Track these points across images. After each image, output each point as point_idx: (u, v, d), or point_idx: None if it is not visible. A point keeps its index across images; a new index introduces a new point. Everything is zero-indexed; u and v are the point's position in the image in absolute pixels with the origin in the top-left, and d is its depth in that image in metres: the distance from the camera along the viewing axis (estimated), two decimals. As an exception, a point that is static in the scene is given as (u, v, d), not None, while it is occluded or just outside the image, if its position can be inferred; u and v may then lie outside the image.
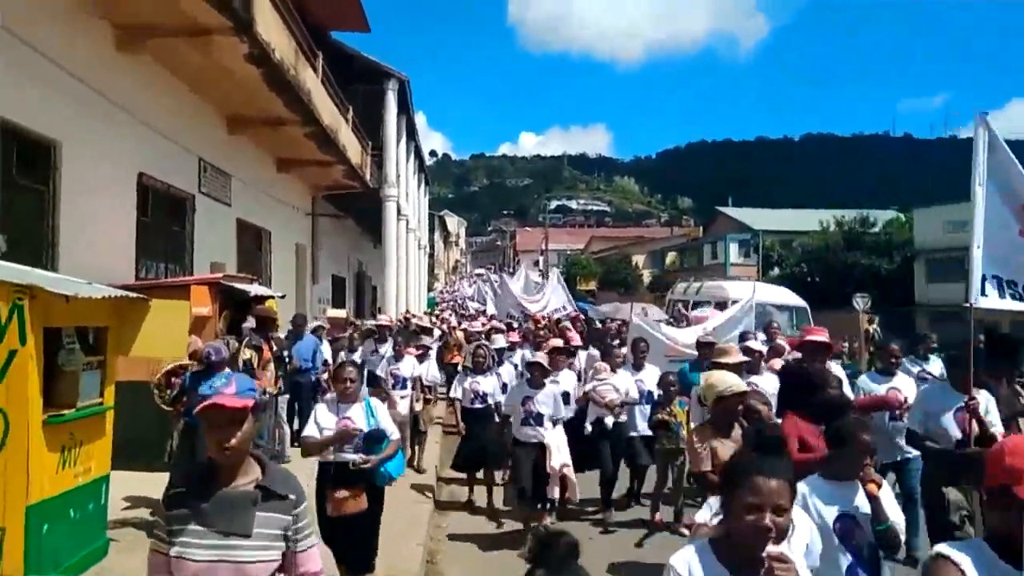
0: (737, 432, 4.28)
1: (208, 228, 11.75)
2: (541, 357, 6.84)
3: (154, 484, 6.41)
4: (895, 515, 3.07)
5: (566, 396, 7.16)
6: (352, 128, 17.10)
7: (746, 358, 6.46)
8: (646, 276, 54.26)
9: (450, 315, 23.45)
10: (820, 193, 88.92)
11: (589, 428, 7.20)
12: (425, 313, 23.88)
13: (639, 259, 57.01)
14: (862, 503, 3.06)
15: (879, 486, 3.08)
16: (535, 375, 6.56)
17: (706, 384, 4.48)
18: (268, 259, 15.51)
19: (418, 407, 8.68)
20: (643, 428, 7.26)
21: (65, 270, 7.05)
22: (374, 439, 4.69)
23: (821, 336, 6.07)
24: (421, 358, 9.15)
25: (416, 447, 8.82)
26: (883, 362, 6.52)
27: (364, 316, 21.82)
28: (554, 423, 6.50)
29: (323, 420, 4.73)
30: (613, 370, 7.41)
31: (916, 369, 7.05)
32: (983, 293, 4.64)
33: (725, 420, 4.31)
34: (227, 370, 6.16)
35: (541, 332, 11.38)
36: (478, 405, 7.60)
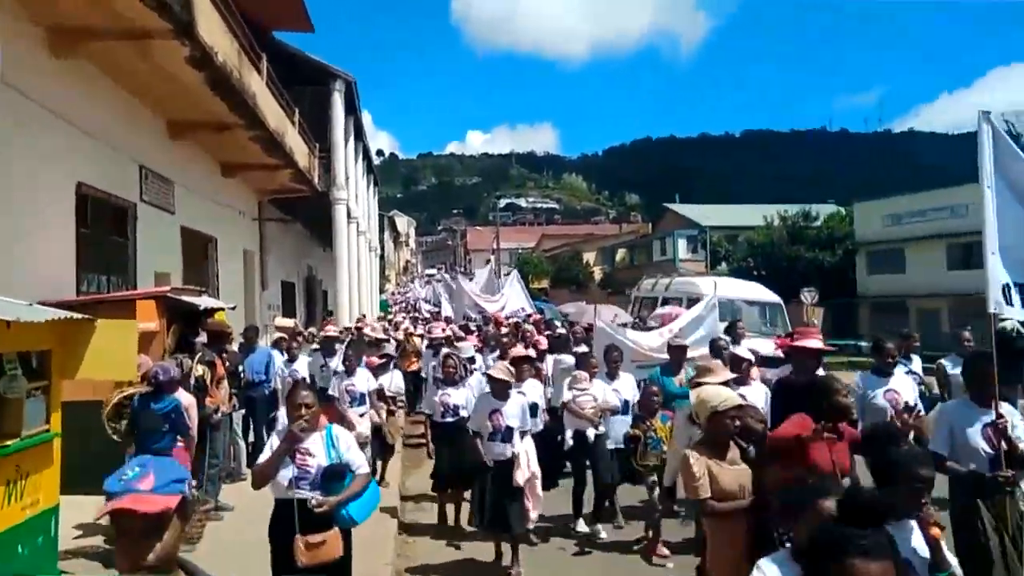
0: (735, 452, 3.94)
1: (151, 237, 11.34)
2: (500, 370, 6.20)
3: (105, 510, 6.16)
4: (951, 559, 2.71)
5: (534, 408, 6.74)
6: (299, 131, 16.76)
7: (733, 375, 5.83)
8: (597, 273, 54.70)
9: (404, 319, 23.16)
10: (762, 188, 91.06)
11: (571, 442, 6.87)
12: (379, 318, 23.56)
13: (590, 256, 57.45)
14: (919, 544, 2.69)
15: (942, 528, 2.74)
16: (496, 387, 6.11)
17: (697, 400, 4.06)
18: (215, 267, 15.07)
19: (381, 419, 8.21)
20: (621, 441, 6.84)
21: (2, 288, 6.68)
22: (334, 475, 3.99)
23: (815, 342, 5.42)
24: (383, 368, 8.71)
25: (381, 461, 8.49)
26: (879, 361, 6.18)
27: (316, 322, 21.43)
28: (522, 436, 6.10)
29: None
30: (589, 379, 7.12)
31: (903, 370, 6.78)
32: (1009, 302, 4.27)
33: (721, 439, 3.91)
34: (179, 392, 5.94)
35: (505, 339, 10.98)
36: (449, 419, 7.10)
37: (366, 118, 31.90)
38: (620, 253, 55.05)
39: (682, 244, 45.07)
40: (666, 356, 7.76)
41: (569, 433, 6.90)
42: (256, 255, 18.64)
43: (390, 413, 8.49)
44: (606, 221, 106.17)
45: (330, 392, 7.76)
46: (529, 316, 15.63)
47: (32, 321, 4.41)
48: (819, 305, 26.02)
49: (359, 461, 4.21)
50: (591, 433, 6.80)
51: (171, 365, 6.08)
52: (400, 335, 14.80)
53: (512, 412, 6.00)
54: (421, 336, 13.69)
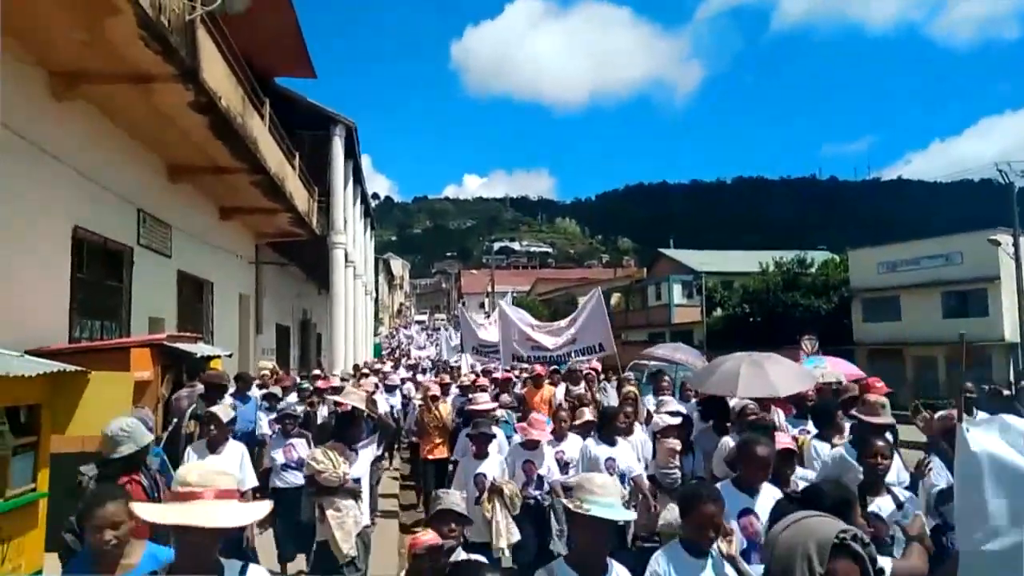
0: None
1: (147, 282, 11.15)
2: None
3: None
4: None
5: None
6: (299, 175, 16.72)
7: None
8: (591, 318, 54.53)
9: (398, 365, 22.61)
10: (753, 234, 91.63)
11: None
12: (372, 370, 22.93)
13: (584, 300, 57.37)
14: None
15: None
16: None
17: None
18: (210, 311, 14.85)
19: None
20: None
21: (-8, 335, 6.47)
22: None
23: None
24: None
25: None
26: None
27: (309, 366, 21.08)
28: None
29: None
30: None
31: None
32: None
33: None
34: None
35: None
36: None
37: (365, 161, 32.02)
38: (615, 297, 54.96)
39: (677, 289, 44.98)
40: None
41: None
42: (252, 299, 18.42)
43: None
44: (599, 265, 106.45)
45: None
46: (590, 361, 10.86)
47: (22, 375, 4.21)
48: (817, 353, 25.90)
49: None
50: None
51: (147, 416, 5.85)
52: (391, 400, 10.72)
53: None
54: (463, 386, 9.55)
